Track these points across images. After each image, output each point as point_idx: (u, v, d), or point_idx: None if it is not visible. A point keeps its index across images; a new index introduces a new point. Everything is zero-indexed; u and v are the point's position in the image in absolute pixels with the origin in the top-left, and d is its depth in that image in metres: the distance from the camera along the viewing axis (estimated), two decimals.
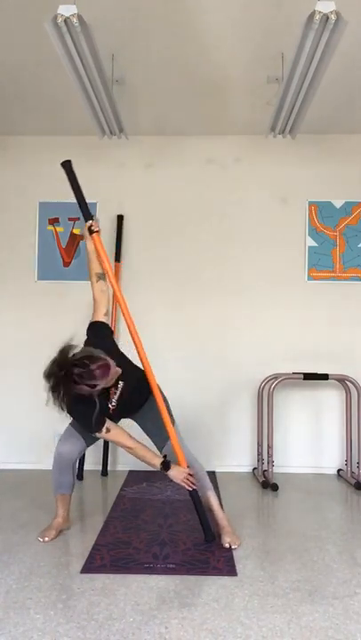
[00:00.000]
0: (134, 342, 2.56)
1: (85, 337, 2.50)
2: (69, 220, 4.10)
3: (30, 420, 3.96)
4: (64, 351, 2.22)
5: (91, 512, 3.02)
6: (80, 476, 3.68)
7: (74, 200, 3.99)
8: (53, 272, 4.09)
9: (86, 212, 2.65)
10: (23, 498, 3.21)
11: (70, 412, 2.33)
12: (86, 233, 2.62)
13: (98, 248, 2.58)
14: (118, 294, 2.61)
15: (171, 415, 2.55)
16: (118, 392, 2.41)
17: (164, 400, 2.56)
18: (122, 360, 2.48)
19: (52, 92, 3.46)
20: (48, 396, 2.17)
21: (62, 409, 2.21)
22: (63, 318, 4.02)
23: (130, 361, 2.56)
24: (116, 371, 2.29)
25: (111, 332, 2.60)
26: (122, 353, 2.56)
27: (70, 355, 2.22)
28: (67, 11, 2.27)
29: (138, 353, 2.56)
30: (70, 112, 3.69)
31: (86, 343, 2.44)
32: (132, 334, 2.57)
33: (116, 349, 2.53)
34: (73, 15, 2.27)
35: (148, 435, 2.58)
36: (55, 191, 4.11)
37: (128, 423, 2.59)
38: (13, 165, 4.15)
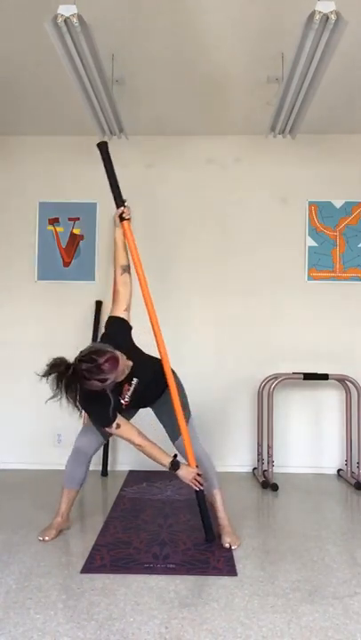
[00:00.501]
0: (155, 334, 2.52)
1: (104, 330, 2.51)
2: (69, 219, 4.10)
3: (30, 420, 3.96)
4: (59, 358, 2.21)
5: (91, 512, 3.02)
6: None
7: (74, 200, 4.09)
8: (53, 272, 4.09)
9: (119, 197, 2.58)
10: (23, 498, 3.21)
11: (83, 408, 2.31)
12: (117, 220, 2.58)
13: (128, 236, 2.55)
14: (144, 285, 2.55)
15: (187, 408, 2.55)
16: (132, 388, 2.40)
17: (181, 392, 2.55)
18: (136, 354, 2.47)
19: (52, 92, 3.46)
20: (57, 395, 2.16)
21: (77, 408, 2.21)
22: (63, 318, 4.03)
23: (145, 354, 2.54)
24: (126, 363, 2.29)
25: (128, 327, 2.54)
26: (137, 347, 2.54)
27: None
28: (67, 11, 2.27)
29: (157, 346, 2.53)
30: (70, 112, 3.69)
31: (102, 337, 2.46)
32: (153, 325, 2.53)
33: (130, 343, 2.51)
34: (73, 15, 2.27)
35: (162, 425, 2.58)
36: (55, 191, 4.12)
37: (144, 411, 2.59)
38: (13, 165, 4.15)
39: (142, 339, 2.54)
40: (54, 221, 4.12)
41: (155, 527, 2.69)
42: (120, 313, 2.51)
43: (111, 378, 2.20)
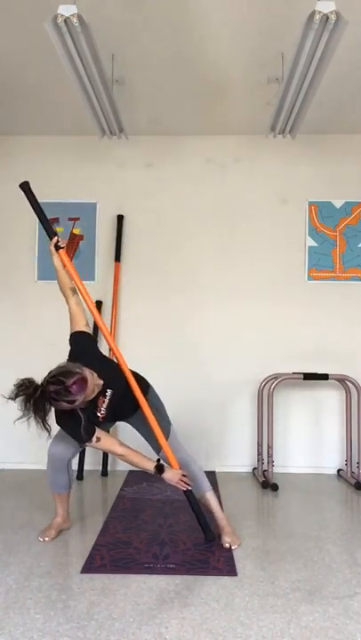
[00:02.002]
0: (115, 355, 2.56)
1: (69, 348, 2.50)
2: (69, 219, 4.10)
3: (30, 419, 3.95)
4: (27, 379, 2.22)
5: (91, 512, 3.02)
6: (80, 476, 3.68)
7: (74, 200, 4.09)
8: (53, 272, 4.04)
9: (50, 229, 2.70)
10: (23, 498, 3.21)
11: (60, 426, 2.35)
12: (52, 250, 2.66)
13: (65, 263, 2.64)
14: (92, 308, 2.63)
15: (165, 417, 2.57)
16: (107, 400, 2.37)
17: (157, 401, 2.57)
18: (108, 367, 2.47)
19: (52, 91, 3.46)
20: (25, 416, 2.17)
21: (45, 429, 2.20)
22: (63, 318, 4.01)
23: (116, 364, 2.54)
24: (95, 382, 2.26)
25: (94, 340, 2.57)
26: (107, 359, 2.57)
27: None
28: (67, 11, 2.27)
29: (118, 360, 2.55)
30: (70, 112, 3.69)
31: (70, 355, 2.44)
32: (111, 348, 2.58)
33: (99, 357, 2.52)
34: (73, 15, 2.26)
35: (144, 438, 2.57)
36: (55, 191, 4.12)
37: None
38: (13, 165, 4.14)
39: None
40: (54, 221, 4.11)
41: (155, 527, 2.70)
42: (81, 327, 2.52)
43: (79, 399, 2.18)
